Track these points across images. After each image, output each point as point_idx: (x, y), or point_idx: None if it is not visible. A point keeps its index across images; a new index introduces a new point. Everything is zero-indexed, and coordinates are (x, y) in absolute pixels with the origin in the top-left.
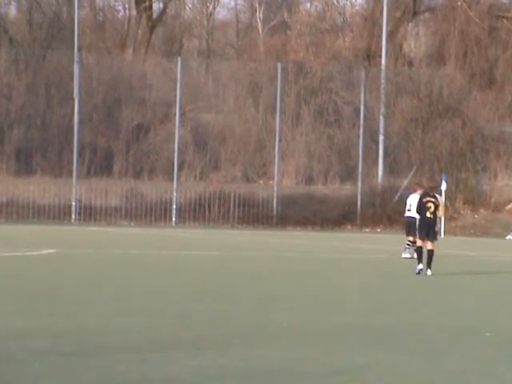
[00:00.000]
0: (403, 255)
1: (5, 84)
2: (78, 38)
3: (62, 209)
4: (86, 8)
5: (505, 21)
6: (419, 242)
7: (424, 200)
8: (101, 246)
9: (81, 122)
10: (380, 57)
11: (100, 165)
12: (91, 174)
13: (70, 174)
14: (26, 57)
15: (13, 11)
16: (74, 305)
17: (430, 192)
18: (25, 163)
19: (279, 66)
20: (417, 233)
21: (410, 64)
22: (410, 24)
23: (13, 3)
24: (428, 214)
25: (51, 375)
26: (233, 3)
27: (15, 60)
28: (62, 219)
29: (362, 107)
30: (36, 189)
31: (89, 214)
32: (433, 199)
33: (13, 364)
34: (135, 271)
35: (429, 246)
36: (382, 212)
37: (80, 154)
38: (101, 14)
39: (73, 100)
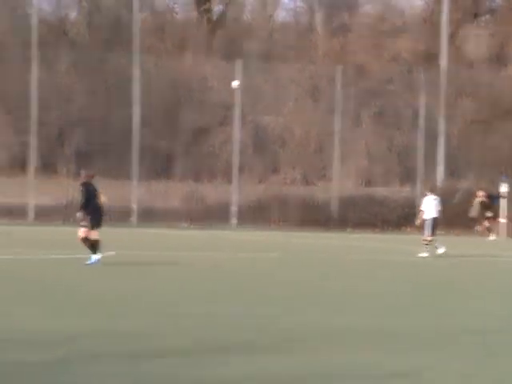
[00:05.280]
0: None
1: (65, 86)
2: (138, 41)
3: (122, 211)
4: (145, 10)
5: None
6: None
7: None
8: (161, 249)
9: (141, 124)
10: (440, 59)
11: (160, 167)
12: (151, 176)
13: (130, 177)
14: (86, 59)
15: (73, 13)
16: (132, 307)
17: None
18: (85, 165)
19: (338, 68)
20: None
21: (470, 66)
22: (471, 26)
23: (73, 6)
24: None
25: (107, 378)
26: (292, 5)
27: (75, 62)
28: (123, 221)
29: (421, 109)
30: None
31: (149, 216)
32: None
33: (69, 366)
34: (192, 273)
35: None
36: (442, 214)
37: (140, 157)
38: (161, 16)
39: (133, 103)
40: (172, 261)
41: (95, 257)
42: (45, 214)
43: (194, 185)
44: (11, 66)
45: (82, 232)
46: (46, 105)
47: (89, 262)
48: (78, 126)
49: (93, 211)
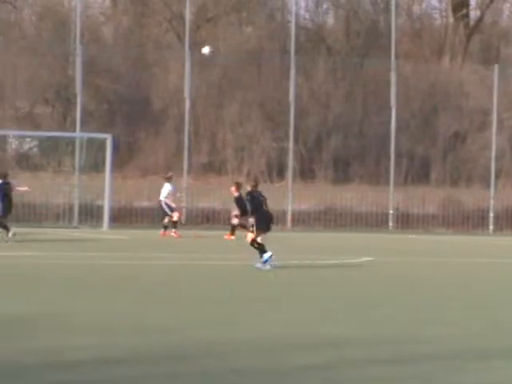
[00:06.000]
0: None
1: (323, 93)
2: (395, 46)
3: (379, 217)
4: (402, 16)
5: None
6: None
7: None
8: (418, 254)
9: (398, 130)
10: None
11: (417, 173)
12: (408, 181)
13: (387, 182)
14: (344, 65)
15: (330, 20)
16: (391, 313)
17: None
18: (342, 171)
19: None
20: None
21: None
22: None
23: (330, 12)
24: None
25: (364, 382)
26: None
27: (333, 69)
28: (379, 227)
29: None
30: (354, 196)
31: (406, 221)
32: None
33: (330, 372)
34: (451, 278)
35: None
36: None
37: (396, 162)
38: (418, 21)
39: (390, 108)
40: (430, 266)
41: (267, 255)
42: (302, 220)
43: (451, 190)
44: (270, 72)
45: (250, 237)
46: (303, 111)
47: (261, 267)
48: (336, 131)
49: (260, 217)
